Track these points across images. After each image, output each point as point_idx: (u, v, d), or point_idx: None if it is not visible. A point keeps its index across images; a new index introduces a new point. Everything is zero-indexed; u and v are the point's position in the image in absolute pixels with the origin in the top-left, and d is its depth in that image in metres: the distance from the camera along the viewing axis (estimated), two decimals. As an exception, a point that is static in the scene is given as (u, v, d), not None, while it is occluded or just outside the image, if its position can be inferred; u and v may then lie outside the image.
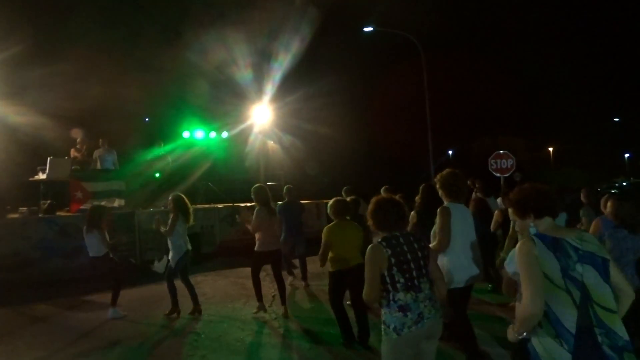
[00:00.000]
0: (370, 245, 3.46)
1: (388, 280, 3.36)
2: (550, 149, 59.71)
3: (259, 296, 7.29)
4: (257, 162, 18.35)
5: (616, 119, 56.08)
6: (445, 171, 4.90)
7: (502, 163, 13.63)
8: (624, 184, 51.13)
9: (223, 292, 7.42)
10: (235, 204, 13.03)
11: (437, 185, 4.93)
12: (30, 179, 12.56)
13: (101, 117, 16.98)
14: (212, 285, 9.32)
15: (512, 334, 2.77)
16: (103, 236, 7.33)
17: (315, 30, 21.56)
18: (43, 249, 10.01)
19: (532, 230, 2.81)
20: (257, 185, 7.55)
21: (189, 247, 7.43)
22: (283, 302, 7.26)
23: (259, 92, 18.71)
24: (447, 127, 40.77)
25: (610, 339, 2.50)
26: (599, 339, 2.49)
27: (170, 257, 7.35)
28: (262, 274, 8.87)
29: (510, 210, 2.92)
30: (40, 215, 10.88)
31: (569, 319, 2.52)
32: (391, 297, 3.36)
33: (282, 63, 20.06)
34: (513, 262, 3.81)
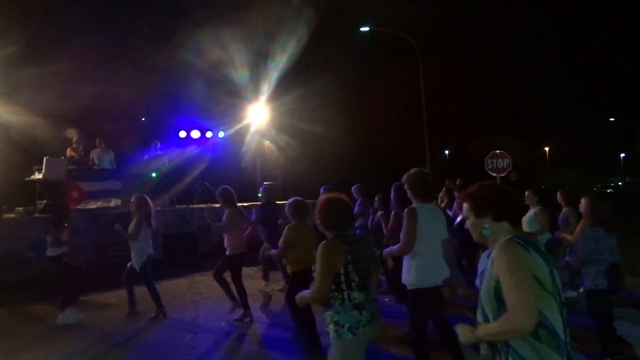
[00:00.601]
0: (323, 242, 3.34)
1: (343, 279, 3.26)
2: (546, 148, 59.93)
3: (245, 303, 7.05)
4: (253, 161, 18.36)
5: (612, 119, 56.31)
6: (413, 170, 4.78)
7: (498, 163, 13.67)
8: (620, 183, 51.32)
9: (219, 291, 7.41)
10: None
11: (406, 186, 4.80)
12: (27, 178, 12.53)
13: (97, 117, 16.93)
14: (208, 285, 9.31)
15: (469, 336, 2.47)
16: (58, 237, 7.23)
17: (311, 30, 21.55)
18: (39, 249, 9.96)
19: (486, 232, 2.53)
20: (222, 187, 7.40)
21: (152, 251, 7.38)
22: (245, 306, 7.05)
23: (256, 91, 18.72)
24: (443, 126, 40.85)
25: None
26: (568, 340, 2.37)
27: (133, 261, 7.24)
28: (261, 274, 8.90)
29: (465, 206, 2.63)
30: (36, 215, 10.86)
31: (559, 325, 2.32)
32: (346, 296, 3.26)
33: (278, 63, 20.05)
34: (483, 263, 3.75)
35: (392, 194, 6.42)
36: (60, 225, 7.40)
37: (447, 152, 54.14)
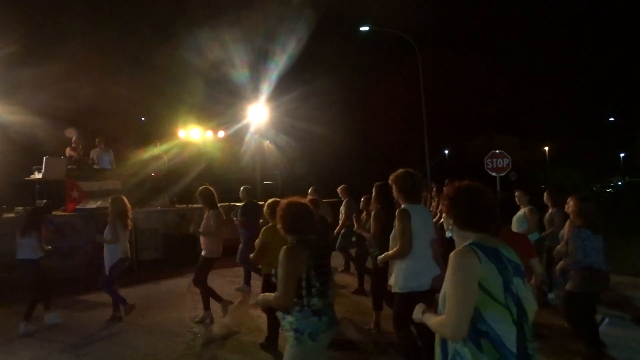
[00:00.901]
0: (286, 246, 3.28)
1: (304, 284, 3.20)
2: (546, 148, 59.92)
3: (218, 297, 7.02)
4: (253, 161, 18.37)
5: (611, 119, 56.34)
6: (400, 171, 4.67)
7: (498, 162, 13.67)
8: (619, 183, 51.33)
9: (219, 291, 7.41)
10: (232, 203, 13.03)
11: (393, 188, 4.71)
12: (27, 178, 12.54)
13: (97, 116, 16.97)
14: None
15: (418, 315, 2.61)
16: (39, 240, 7.07)
17: (311, 29, 21.59)
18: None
19: (448, 234, 2.57)
20: (202, 187, 7.17)
21: (128, 254, 7.21)
22: (206, 307, 6.99)
23: (255, 91, 18.75)
24: (443, 126, 40.86)
25: (535, 352, 2.33)
26: (530, 352, 2.30)
27: (105, 263, 7.07)
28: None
29: (445, 211, 2.56)
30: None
31: (510, 337, 2.26)
32: (305, 303, 3.20)
33: (278, 62, 20.09)
34: None
35: (373, 194, 6.19)
36: (41, 227, 7.30)
37: (446, 151, 54.16)
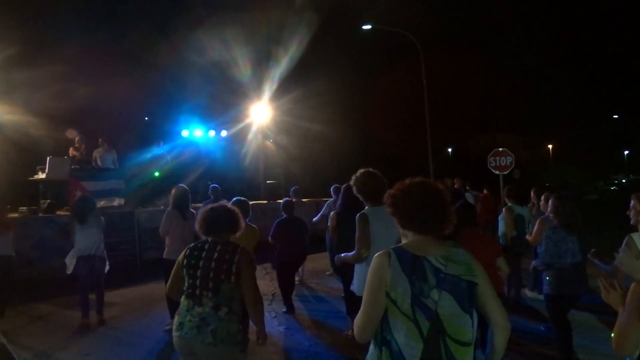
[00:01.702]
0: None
1: (181, 282, 3.37)
2: (550, 146, 59.79)
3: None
4: (255, 160, 18.38)
5: (615, 116, 56.15)
6: (360, 172, 4.50)
7: (501, 160, 13.65)
8: (623, 180, 51.17)
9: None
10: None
11: (354, 190, 4.52)
12: (30, 178, 12.59)
13: (100, 117, 17.00)
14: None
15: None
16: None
17: (314, 28, 21.56)
18: (42, 248, 10.02)
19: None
20: (178, 185, 7.01)
21: (88, 252, 6.80)
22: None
23: (258, 90, 18.75)
24: (446, 124, 40.80)
25: None
26: None
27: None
28: (261, 273, 8.88)
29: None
30: (40, 215, 10.89)
31: (412, 352, 2.12)
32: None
33: (281, 62, 20.08)
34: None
35: (341, 195, 6.03)
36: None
37: (449, 150, 54.08)
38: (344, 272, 5.86)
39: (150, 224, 11.98)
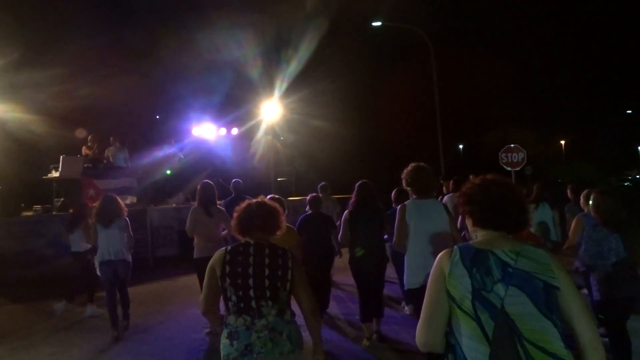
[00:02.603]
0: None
1: (223, 294, 2.85)
2: (562, 142, 59.28)
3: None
4: (266, 158, 18.40)
5: (629, 111, 55.51)
6: (410, 166, 4.60)
7: (512, 157, 13.57)
8: (637, 176, 50.65)
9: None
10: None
11: (404, 183, 4.63)
12: (44, 177, 12.72)
13: (111, 115, 17.11)
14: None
15: None
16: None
17: (324, 26, 21.53)
18: (56, 246, 10.13)
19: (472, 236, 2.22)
20: (203, 181, 6.85)
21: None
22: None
23: (269, 88, 18.75)
24: (456, 121, 40.59)
25: None
26: None
27: None
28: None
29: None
30: (53, 213, 11.01)
31: (477, 357, 1.88)
32: (225, 319, 2.87)
33: (291, 59, 20.07)
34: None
35: (354, 193, 6.04)
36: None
37: (460, 146, 53.81)
38: (363, 273, 5.83)
39: (162, 222, 12.07)
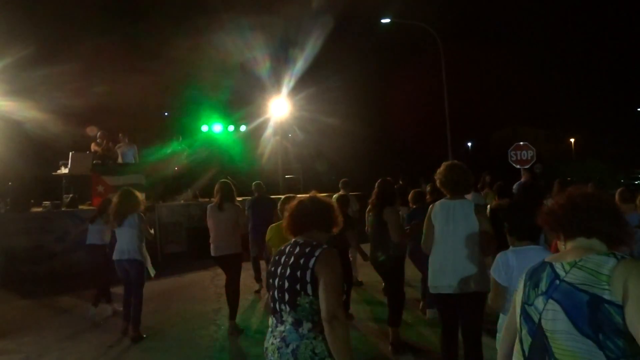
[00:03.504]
0: None
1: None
2: (572, 140, 58.88)
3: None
4: (274, 155, 18.42)
5: (639, 109, 55.01)
6: (443, 165, 4.43)
7: (522, 154, 13.49)
8: (648, 175, 50.15)
9: (241, 284, 7.46)
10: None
11: (437, 183, 4.48)
12: (53, 173, 12.80)
13: (120, 112, 17.17)
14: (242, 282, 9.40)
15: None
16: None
17: (333, 22, 21.48)
18: (65, 242, 10.20)
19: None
20: (222, 180, 6.85)
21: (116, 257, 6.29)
22: (232, 316, 6.32)
23: (277, 85, 18.75)
24: (465, 118, 40.42)
25: None
26: None
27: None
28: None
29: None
30: (63, 209, 11.07)
31: None
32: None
33: (299, 56, 20.05)
34: (499, 268, 3.11)
35: (375, 191, 5.90)
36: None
37: (469, 144, 53.58)
38: (389, 271, 5.73)
39: (170, 218, 12.11)
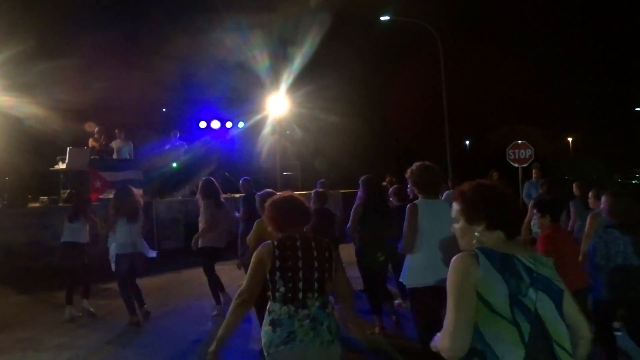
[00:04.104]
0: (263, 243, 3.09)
1: (270, 285, 2.93)
2: (570, 138, 58.97)
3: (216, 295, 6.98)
4: (273, 152, 18.40)
5: (638, 109, 55.09)
6: (416, 165, 4.51)
7: (520, 153, 13.52)
8: (646, 174, 50.20)
9: (240, 280, 7.46)
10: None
11: (410, 182, 4.60)
12: (51, 168, 12.76)
13: (118, 108, 17.12)
14: (228, 275, 9.36)
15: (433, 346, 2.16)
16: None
17: (332, 19, 21.44)
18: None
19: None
20: (205, 177, 7.30)
21: (129, 250, 6.47)
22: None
23: (276, 82, 18.71)
24: (464, 116, 40.40)
25: None
26: None
27: None
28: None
29: (455, 206, 2.25)
30: (60, 205, 11.04)
31: (511, 359, 1.93)
32: (268, 307, 2.96)
33: (298, 53, 20.00)
34: None
35: (361, 189, 6.17)
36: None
37: (467, 142, 53.59)
38: (367, 268, 5.98)
39: (168, 214, 12.09)
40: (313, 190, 7.19)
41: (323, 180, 9.79)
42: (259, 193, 5.50)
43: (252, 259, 3.01)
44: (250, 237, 5.13)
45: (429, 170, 4.48)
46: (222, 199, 7.28)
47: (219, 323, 6.41)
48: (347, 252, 6.68)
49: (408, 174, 4.57)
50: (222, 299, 6.96)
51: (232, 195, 12.21)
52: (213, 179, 7.40)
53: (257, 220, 5.15)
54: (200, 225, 7.02)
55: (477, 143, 52.37)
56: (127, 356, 5.54)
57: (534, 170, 10.29)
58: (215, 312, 6.79)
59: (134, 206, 6.51)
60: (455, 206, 2.26)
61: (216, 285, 7.07)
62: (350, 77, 28.98)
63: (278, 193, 3.56)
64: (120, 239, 6.38)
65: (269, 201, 3.22)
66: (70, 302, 6.85)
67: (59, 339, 6.08)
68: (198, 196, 7.26)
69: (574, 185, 8.01)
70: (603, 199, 4.78)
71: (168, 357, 5.50)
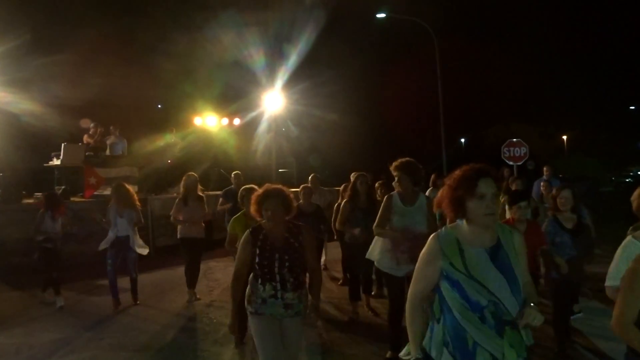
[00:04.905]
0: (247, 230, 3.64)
1: (252, 268, 3.56)
2: (564, 137, 59.13)
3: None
4: (268, 149, 18.38)
5: (632, 107, 55.29)
6: (398, 161, 4.88)
7: (515, 151, 13.57)
8: (639, 172, 50.45)
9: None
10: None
11: (394, 175, 4.93)
12: (45, 164, 12.72)
13: (113, 104, 17.08)
14: (223, 271, 9.40)
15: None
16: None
17: (328, 16, 21.44)
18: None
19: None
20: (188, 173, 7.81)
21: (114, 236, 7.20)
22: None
23: (271, 79, 18.68)
24: (459, 114, 40.43)
25: None
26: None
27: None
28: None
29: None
30: (54, 201, 10.98)
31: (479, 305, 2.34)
32: (251, 282, 3.61)
33: (294, 50, 19.99)
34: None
35: (352, 184, 6.67)
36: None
37: (463, 140, 53.68)
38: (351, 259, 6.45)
39: (163, 211, 12.05)
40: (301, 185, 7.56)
41: (315, 175, 9.75)
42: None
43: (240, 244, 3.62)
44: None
45: (408, 166, 4.84)
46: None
47: (214, 319, 6.45)
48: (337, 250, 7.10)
49: (392, 168, 4.90)
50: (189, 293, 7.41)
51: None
52: None
53: (234, 216, 5.30)
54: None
55: (473, 141, 52.46)
56: (122, 352, 5.53)
57: (545, 169, 10.67)
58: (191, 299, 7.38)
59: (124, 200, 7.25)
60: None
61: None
62: (346, 75, 28.98)
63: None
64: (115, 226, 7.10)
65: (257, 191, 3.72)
66: (58, 292, 7.24)
67: (53, 334, 6.07)
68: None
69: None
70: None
71: (163, 353, 5.51)
